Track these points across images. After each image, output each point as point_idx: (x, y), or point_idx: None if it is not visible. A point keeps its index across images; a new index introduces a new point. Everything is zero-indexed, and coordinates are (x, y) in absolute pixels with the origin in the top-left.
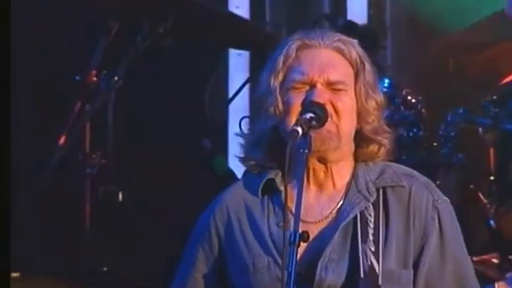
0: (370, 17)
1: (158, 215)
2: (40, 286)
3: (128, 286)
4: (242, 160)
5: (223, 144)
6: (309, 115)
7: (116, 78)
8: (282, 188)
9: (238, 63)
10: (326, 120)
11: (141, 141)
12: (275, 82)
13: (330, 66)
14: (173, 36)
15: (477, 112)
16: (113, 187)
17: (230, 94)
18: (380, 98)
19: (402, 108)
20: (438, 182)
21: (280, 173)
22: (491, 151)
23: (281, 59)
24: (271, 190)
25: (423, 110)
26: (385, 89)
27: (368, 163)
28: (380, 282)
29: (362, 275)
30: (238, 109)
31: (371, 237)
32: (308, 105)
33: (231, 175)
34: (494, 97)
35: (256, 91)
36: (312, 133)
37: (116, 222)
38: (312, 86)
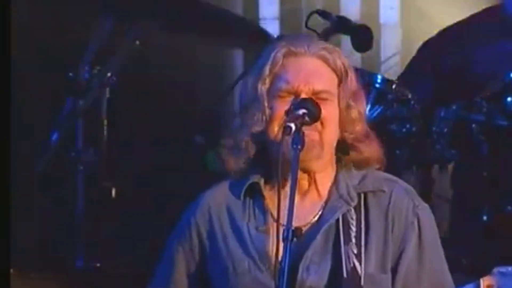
0: (363, 12)
1: (152, 211)
2: (34, 282)
3: (122, 283)
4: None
5: (216, 140)
6: (301, 111)
7: (109, 74)
8: (265, 193)
9: (232, 58)
10: (318, 116)
11: (134, 138)
12: (262, 89)
13: (315, 76)
14: (166, 33)
15: (470, 108)
16: (107, 184)
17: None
18: (363, 107)
19: (394, 104)
20: (432, 178)
21: (262, 179)
22: (485, 147)
23: (267, 66)
24: (253, 194)
25: (416, 106)
26: (377, 85)
27: (351, 169)
28: (362, 283)
29: (344, 275)
30: (231, 105)
31: (353, 240)
32: (300, 101)
33: (224, 171)
34: (488, 94)
35: (242, 96)
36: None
37: (109, 219)
38: (297, 95)
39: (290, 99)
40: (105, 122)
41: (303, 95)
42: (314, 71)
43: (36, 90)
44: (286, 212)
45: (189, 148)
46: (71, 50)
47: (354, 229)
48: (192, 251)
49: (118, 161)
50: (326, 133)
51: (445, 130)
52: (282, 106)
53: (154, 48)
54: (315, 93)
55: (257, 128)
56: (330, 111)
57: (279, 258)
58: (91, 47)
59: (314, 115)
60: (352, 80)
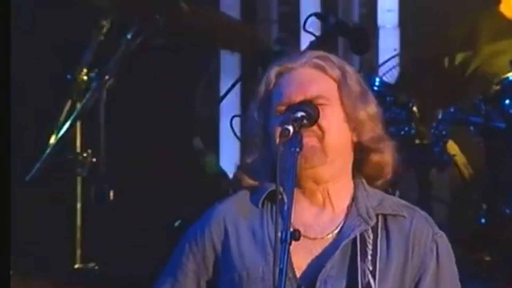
0: (361, 15)
1: (149, 214)
2: (32, 285)
3: (119, 285)
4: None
5: (214, 143)
6: (300, 113)
7: (107, 77)
8: (285, 199)
9: (230, 61)
10: (317, 119)
11: (132, 140)
12: (259, 112)
13: (307, 83)
14: (164, 35)
15: (468, 110)
16: (105, 186)
17: (222, 93)
18: (372, 108)
19: (393, 107)
20: (430, 180)
21: (281, 187)
22: (483, 149)
23: (262, 87)
24: (270, 201)
25: (414, 109)
26: (376, 88)
27: (367, 187)
28: None
29: None
30: (229, 108)
31: (369, 257)
32: (299, 104)
33: (222, 174)
34: (486, 96)
35: (246, 123)
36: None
37: (107, 221)
38: (292, 105)
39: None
40: (103, 124)
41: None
42: (307, 80)
43: (36, 90)
44: (303, 221)
45: (187, 151)
46: (70, 52)
47: (370, 247)
48: (204, 262)
49: (116, 163)
50: (327, 139)
51: (444, 132)
52: (279, 120)
53: (152, 50)
54: (310, 100)
55: (262, 152)
56: (328, 116)
57: (299, 269)
58: (89, 49)
59: (313, 118)
60: (354, 82)
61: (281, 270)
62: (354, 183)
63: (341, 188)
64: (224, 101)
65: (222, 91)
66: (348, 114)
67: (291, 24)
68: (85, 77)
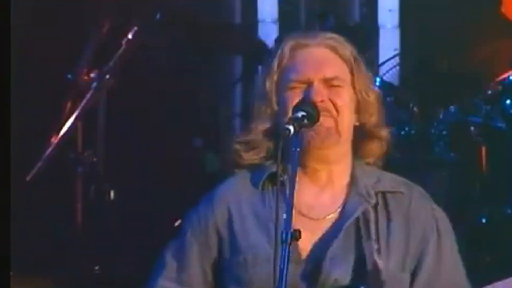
0: (362, 15)
1: (150, 213)
2: (31, 285)
3: (119, 285)
4: (238, 161)
5: (214, 142)
6: (300, 113)
7: (107, 76)
8: (286, 182)
9: (230, 61)
10: (318, 119)
11: (132, 140)
12: (270, 84)
13: (325, 63)
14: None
15: (469, 110)
16: (105, 186)
17: (221, 92)
18: (378, 92)
19: (393, 107)
20: (430, 180)
21: (282, 168)
22: (483, 149)
23: (275, 60)
24: (271, 184)
25: (415, 109)
26: (376, 88)
27: (364, 166)
28: (383, 278)
29: (367, 269)
30: (229, 106)
31: (373, 237)
32: (299, 103)
33: (222, 173)
34: (487, 95)
35: (252, 95)
36: (312, 132)
37: (108, 221)
38: (309, 84)
39: (301, 89)
40: (104, 124)
41: (315, 83)
42: (323, 59)
43: (35, 90)
44: (304, 201)
45: (187, 150)
46: (70, 52)
47: (373, 226)
48: (208, 244)
49: (116, 163)
50: (342, 120)
51: (444, 132)
52: (295, 97)
53: (152, 49)
54: (327, 80)
55: (266, 125)
56: (344, 98)
57: (304, 250)
58: (89, 48)
59: (313, 118)
60: (363, 67)
61: (281, 270)
62: (353, 162)
63: (344, 168)
64: (224, 100)
65: (222, 90)
66: (358, 97)
67: (291, 23)
68: (85, 77)
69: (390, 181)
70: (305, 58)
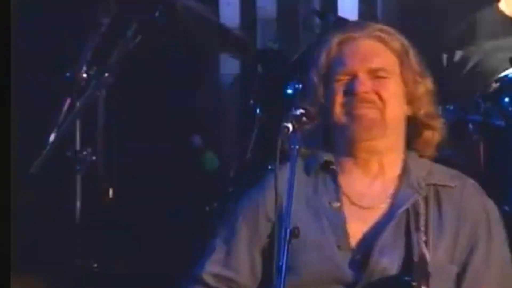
0: (361, 13)
1: (149, 211)
2: (30, 284)
3: (119, 284)
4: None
5: (213, 140)
6: (299, 111)
7: (106, 74)
8: (338, 170)
9: (230, 58)
10: (315, 117)
11: (131, 138)
12: (318, 77)
13: (371, 55)
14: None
15: (467, 108)
16: (104, 184)
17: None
18: (430, 83)
19: None
20: None
21: (333, 157)
22: (481, 147)
23: (323, 54)
24: (323, 171)
25: None
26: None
27: (417, 158)
28: (429, 270)
29: (415, 261)
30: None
31: (422, 228)
32: (299, 102)
33: (222, 172)
34: (485, 93)
35: (303, 90)
36: (356, 124)
37: (107, 219)
38: (354, 75)
39: (346, 81)
40: (103, 122)
41: (360, 75)
42: (370, 51)
43: (35, 90)
44: (356, 190)
45: (186, 149)
46: (69, 50)
47: (422, 218)
48: (258, 230)
49: (115, 161)
50: (387, 111)
51: None
52: (340, 89)
53: (151, 48)
54: (372, 71)
55: (319, 120)
56: (389, 89)
57: (354, 238)
58: (88, 46)
59: (312, 115)
60: (414, 57)
61: (280, 267)
62: (406, 154)
63: (394, 159)
64: (224, 100)
65: (222, 90)
66: (407, 88)
67: (290, 21)
68: (84, 75)
69: (442, 174)
70: (352, 51)
